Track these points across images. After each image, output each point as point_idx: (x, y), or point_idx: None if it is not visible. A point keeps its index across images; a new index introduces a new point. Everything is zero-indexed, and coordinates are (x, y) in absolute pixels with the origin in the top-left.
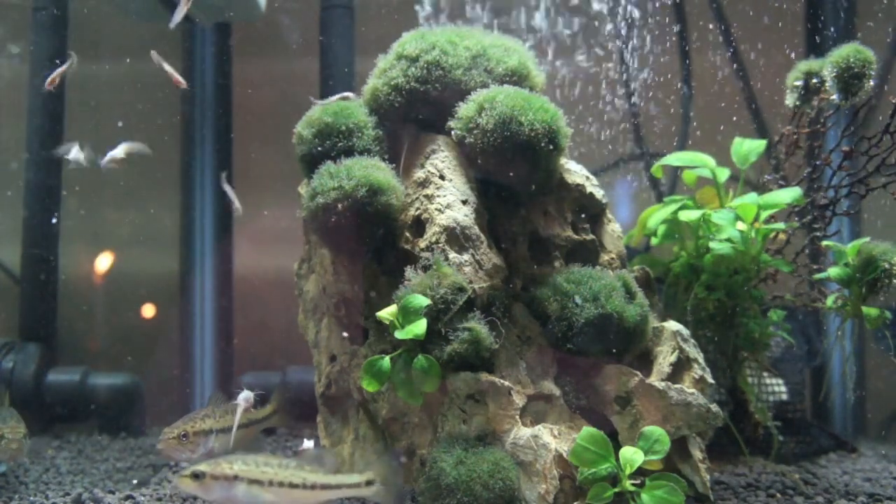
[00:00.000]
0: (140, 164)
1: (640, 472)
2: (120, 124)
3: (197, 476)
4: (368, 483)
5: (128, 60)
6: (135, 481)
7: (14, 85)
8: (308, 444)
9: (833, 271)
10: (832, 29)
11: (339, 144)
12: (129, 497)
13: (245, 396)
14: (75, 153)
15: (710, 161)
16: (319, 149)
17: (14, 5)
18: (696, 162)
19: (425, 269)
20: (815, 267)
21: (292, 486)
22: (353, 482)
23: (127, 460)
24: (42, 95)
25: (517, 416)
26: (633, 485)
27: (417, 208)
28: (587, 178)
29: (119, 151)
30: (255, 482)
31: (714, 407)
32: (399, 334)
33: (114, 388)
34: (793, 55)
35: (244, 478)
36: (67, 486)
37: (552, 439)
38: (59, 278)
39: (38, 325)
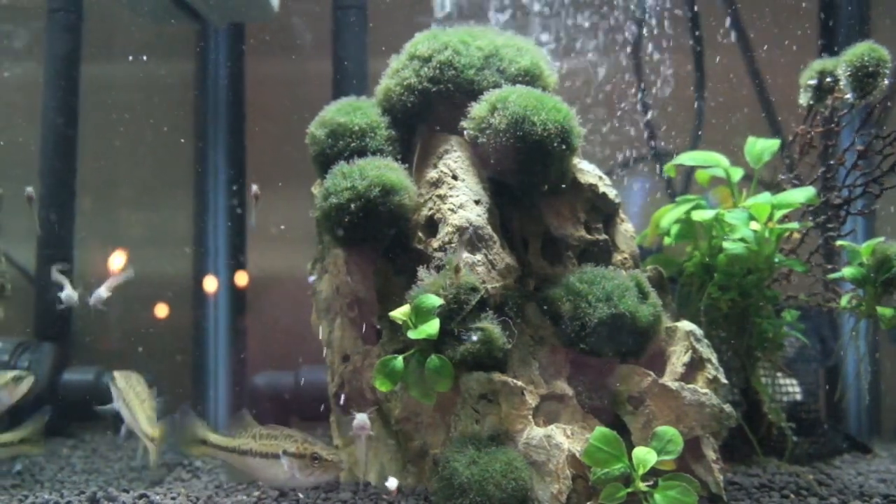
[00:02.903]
0: (154, 164)
1: (653, 473)
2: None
3: (112, 378)
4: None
5: (142, 61)
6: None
7: (29, 86)
8: (393, 483)
9: (847, 271)
10: (846, 27)
11: (352, 145)
12: (143, 496)
13: (360, 422)
14: (67, 292)
15: (723, 160)
16: (332, 149)
17: (30, 7)
18: (709, 161)
19: (438, 269)
20: (829, 267)
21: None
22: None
23: (141, 459)
24: (56, 97)
25: (530, 416)
26: (646, 485)
27: (430, 208)
28: (600, 177)
29: (103, 290)
30: (122, 400)
31: (727, 407)
32: (412, 334)
33: None
34: (807, 54)
35: (120, 394)
36: (82, 485)
37: (565, 439)
38: (73, 278)
39: (53, 325)
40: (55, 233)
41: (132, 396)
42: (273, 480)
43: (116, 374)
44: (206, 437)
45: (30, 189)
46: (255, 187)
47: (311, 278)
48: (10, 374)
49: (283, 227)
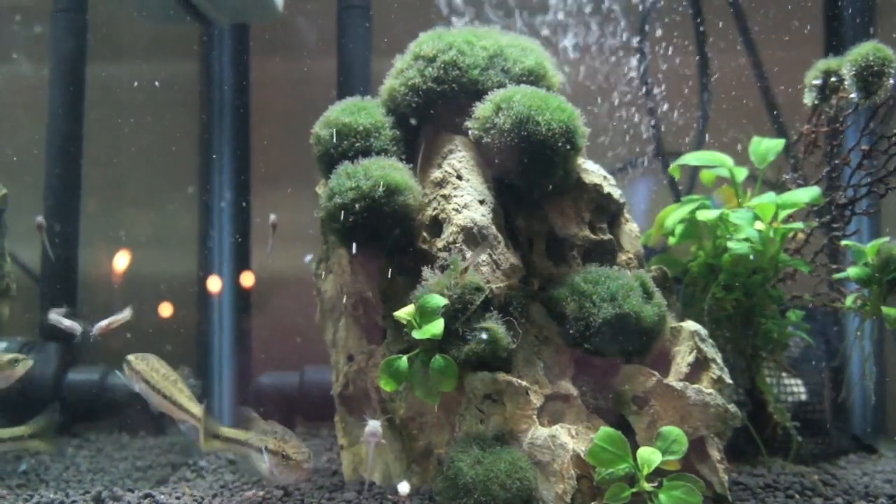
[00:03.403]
0: (159, 164)
1: (658, 473)
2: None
3: (127, 362)
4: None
5: (146, 61)
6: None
7: (35, 86)
8: (404, 487)
9: (852, 271)
10: (851, 27)
11: (357, 145)
12: (148, 496)
13: (371, 429)
14: (68, 323)
15: (727, 160)
16: (337, 149)
17: (35, 7)
18: (713, 161)
19: (443, 268)
20: (834, 267)
21: (163, 395)
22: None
23: (146, 459)
24: (62, 97)
25: (534, 416)
26: (651, 485)
27: (435, 208)
28: (604, 177)
29: (105, 323)
30: (146, 382)
31: (732, 407)
32: (416, 334)
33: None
34: (811, 53)
35: (141, 376)
36: (87, 485)
37: (570, 439)
38: (78, 278)
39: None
40: (60, 232)
41: (158, 378)
42: (262, 474)
43: (131, 357)
44: (220, 431)
45: (40, 218)
46: (273, 217)
47: (307, 258)
48: (7, 356)
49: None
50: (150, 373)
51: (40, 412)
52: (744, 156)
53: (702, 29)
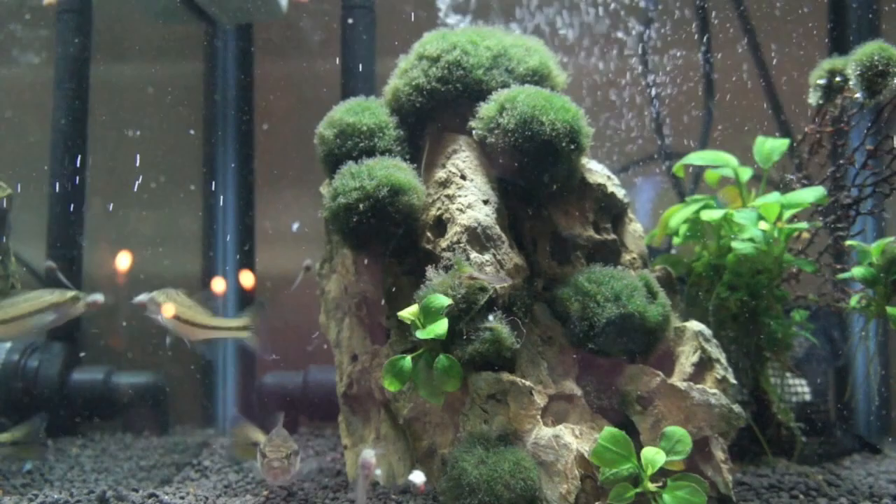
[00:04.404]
0: (162, 164)
1: (662, 473)
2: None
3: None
4: (245, 328)
5: (151, 62)
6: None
7: (39, 87)
8: (419, 476)
9: (857, 271)
10: (856, 26)
11: (361, 145)
12: (152, 495)
13: (364, 459)
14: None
15: (732, 160)
16: (341, 149)
17: (39, 8)
18: (718, 161)
19: (447, 268)
20: (838, 267)
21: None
22: (232, 325)
23: (150, 458)
24: (66, 97)
25: (538, 416)
26: (655, 485)
27: (439, 208)
28: (608, 177)
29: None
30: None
31: (736, 407)
32: (420, 334)
33: (137, 386)
34: (816, 53)
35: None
36: (92, 484)
37: (573, 439)
38: (83, 278)
39: (63, 325)
40: (65, 232)
41: (185, 310)
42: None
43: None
44: (257, 438)
45: (50, 262)
46: (308, 261)
47: (294, 226)
48: (70, 293)
49: (294, 227)
50: (181, 308)
51: (43, 413)
52: (748, 156)
53: (706, 30)
